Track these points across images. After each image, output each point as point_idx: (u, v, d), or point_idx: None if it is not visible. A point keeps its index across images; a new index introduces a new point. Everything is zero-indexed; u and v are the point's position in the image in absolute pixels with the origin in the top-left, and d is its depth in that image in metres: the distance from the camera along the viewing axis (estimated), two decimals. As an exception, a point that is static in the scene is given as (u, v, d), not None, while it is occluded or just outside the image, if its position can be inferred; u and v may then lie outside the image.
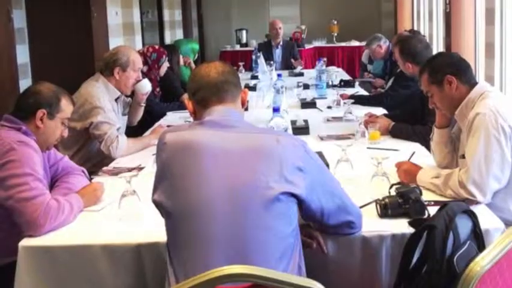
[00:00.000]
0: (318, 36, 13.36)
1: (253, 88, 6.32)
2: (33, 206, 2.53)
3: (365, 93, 6.44)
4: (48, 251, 2.47)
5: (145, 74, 4.98)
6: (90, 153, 4.03)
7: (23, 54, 6.70)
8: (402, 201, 2.52)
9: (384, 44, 7.57)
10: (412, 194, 2.52)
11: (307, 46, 12.43)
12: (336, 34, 13.30)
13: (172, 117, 5.23)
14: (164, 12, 12.44)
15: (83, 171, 3.10)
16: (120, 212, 2.70)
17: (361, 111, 4.78)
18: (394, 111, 4.77)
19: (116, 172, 3.43)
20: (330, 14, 13.77)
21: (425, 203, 2.54)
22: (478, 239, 2.25)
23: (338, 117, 4.83)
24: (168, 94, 5.90)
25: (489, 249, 1.87)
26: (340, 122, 4.70)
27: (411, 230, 2.33)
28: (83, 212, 2.77)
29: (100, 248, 2.44)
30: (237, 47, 13.09)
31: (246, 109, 2.48)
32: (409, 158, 3.30)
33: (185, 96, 2.43)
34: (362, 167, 3.12)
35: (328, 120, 4.80)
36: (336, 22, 13.34)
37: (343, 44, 13.06)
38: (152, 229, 2.42)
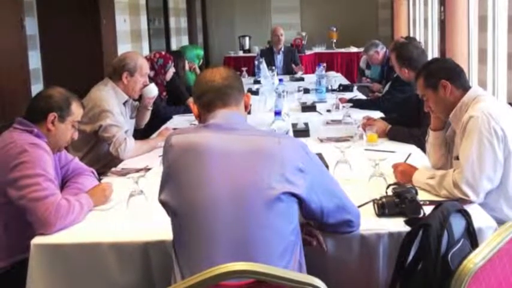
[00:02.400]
0: (317, 42, 13.37)
1: (255, 92, 6.33)
2: (45, 205, 2.54)
3: (363, 97, 6.43)
4: (59, 248, 2.47)
5: (152, 79, 4.98)
6: (99, 155, 4.03)
7: (34, 60, 6.72)
8: (399, 201, 2.51)
9: (381, 50, 7.56)
10: (408, 194, 2.52)
11: (308, 52, 12.41)
12: (335, 40, 13.29)
13: (178, 120, 5.23)
14: (170, 20, 12.47)
15: (93, 172, 3.10)
16: (128, 211, 2.71)
17: (359, 114, 4.77)
18: (390, 114, 4.77)
19: (124, 173, 3.43)
20: (329, 21, 13.78)
21: (421, 203, 2.53)
22: (472, 237, 2.25)
23: (337, 120, 4.83)
24: (174, 98, 5.90)
25: (482, 247, 1.87)
26: (339, 125, 4.69)
27: (407, 228, 2.33)
28: (93, 211, 2.77)
29: (109, 245, 2.44)
30: (240, 53, 13.08)
31: (249, 112, 2.47)
32: (406, 160, 3.30)
33: (190, 100, 2.44)
34: (360, 168, 3.12)
35: (327, 123, 4.80)
36: (335, 29, 13.34)
37: (342, 50, 13.05)
38: (159, 228, 2.42)
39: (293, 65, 8.95)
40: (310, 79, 7.67)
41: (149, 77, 4.41)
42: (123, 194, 2.83)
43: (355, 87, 7.07)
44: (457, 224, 2.20)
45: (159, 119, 5.08)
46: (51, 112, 2.85)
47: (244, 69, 8.96)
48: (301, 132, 4.26)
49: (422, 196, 2.68)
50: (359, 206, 2.53)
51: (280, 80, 5.70)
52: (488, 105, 2.83)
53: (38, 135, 2.78)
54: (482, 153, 2.71)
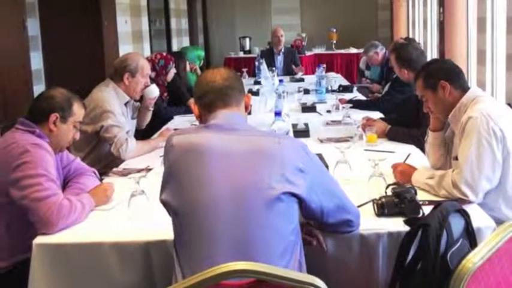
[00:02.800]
0: (317, 43, 13.38)
1: (256, 93, 6.33)
2: (47, 205, 2.54)
3: (363, 98, 6.43)
4: (61, 248, 2.47)
5: (153, 80, 4.98)
6: (101, 155, 4.03)
7: (36, 61, 6.71)
8: (398, 201, 2.51)
9: (381, 51, 7.56)
10: (407, 193, 2.52)
11: (308, 53, 12.42)
12: (335, 41, 13.31)
13: (179, 121, 5.24)
14: (171, 21, 12.47)
15: (94, 172, 3.10)
16: (130, 211, 2.70)
17: (359, 115, 4.77)
18: (390, 115, 4.77)
19: (125, 173, 3.43)
20: (329, 22, 13.78)
21: (420, 203, 2.53)
22: (470, 237, 2.25)
23: (337, 120, 4.83)
24: (175, 99, 5.90)
25: (481, 247, 1.87)
26: (339, 125, 4.69)
27: (406, 228, 2.32)
28: (94, 211, 2.77)
29: (110, 245, 2.44)
30: (241, 54, 13.09)
31: (249, 113, 2.47)
32: (405, 160, 3.30)
33: (191, 101, 2.44)
34: (360, 168, 3.12)
35: (327, 123, 4.80)
36: (334, 30, 13.35)
37: (341, 51, 13.06)
38: (160, 227, 2.42)
39: (293, 66, 8.96)
40: (310, 80, 7.67)
41: (150, 78, 4.41)
42: (124, 194, 2.83)
43: (354, 88, 7.08)
44: (456, 224, 2.21)
45: (160, 119, 5.09)
46: (53, 113, 2.85)
47: (244, 70, 8.97)
48: (301, 132, 4.26)
49: (421, 196, 2.68)
50: (359, 206, 2.53)
51: (281, 81, 5.71)
52: (487, 106, 2.83)
53: (40, 135, 2.78)
54: (481, 154, 2.71)
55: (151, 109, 4.54)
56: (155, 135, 4.40)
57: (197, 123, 2.38)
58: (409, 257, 2.23)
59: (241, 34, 13.98)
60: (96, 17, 7.55)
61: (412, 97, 4.06)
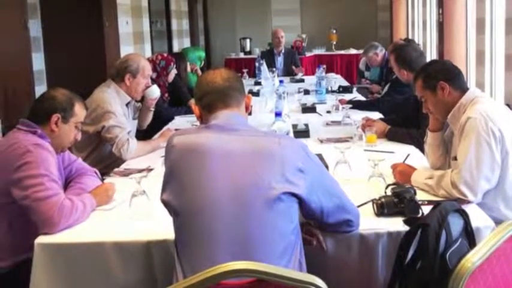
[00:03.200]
0: (317, 44, 13.38)
1: (256, 94, 6.34)
2: (48, 205, 2.54)
3: (362, 98, 6.42)
4: (63, 248, 2.47)
5: (154, 81, 4.99)
6: (102, 155, 4.03)
7: (38, 62, 6.72)
8: (397, 201, 2.51)
9: (380, 52, 7.56)
10: (407, 194, 2.52)
11: (308, 54, 12.43)
12: (334, 42, 13.31)
13: (180, 121, 5.24)
14: (172, 22, 12.48)
15: (96, 172, 3.10)
16: (131, 211, 2.70)
17: (359, 115, 4.77)
18: (390, 115, 4.77)
19: (126, 173, 3.43)
20: (329, 23, 13.78)
21: (420, 203, 2.53)
22: (469, 237, 2.25)
23: (337, 121, 4.83)
24: (176, 99, 5.90)
25: (480, 246, 1.87)
26: (339, 125, 4.69)
27: (406, 228, 2.32)
28: (96, 210, 2.77)
29: (112, 245, 2.44)
30: (241, 55, 13.09)
31: (250, 113, 2.47)
32: (404, 160, 3.30)
33: (192, 101, 2.43)
34: (359, 169, 3.12)
35: (327, 124, 4.80)
36: (334, 31, 13.35)
37: (341, 52, 13.06)
38: (161, 227, 2.42)
39: (293, 67, 8.96)
40: (310, 80, 7.67)
41: (151, 79, 4.42)
42: (125, 194, 2.83)
43: (354, 89, 7.07)
44: (455, 224, 2.20)
45: (161, 120, 5.09)
46: (55, 113, 2.85)
47: (245, 70, 8.97)
48: (302, 133, 4.26)
49: (420, 196, 2.68)
50: (358, 206, 2.53)
51: (281, 82, 5.71)
52: (486, 106, 2.83)
53: (41, 136, 2.78)
54: (480, 154, 2.71)
55: (153, 110, 4.54)
56: (156, 136, 4.40)
57: (198, 123, 2.38)
58: (409, 256, 2.23)
59: (241, 35, 13.98)
60: (97, 18, 7.55)
61: (412, 98, 4.06)
